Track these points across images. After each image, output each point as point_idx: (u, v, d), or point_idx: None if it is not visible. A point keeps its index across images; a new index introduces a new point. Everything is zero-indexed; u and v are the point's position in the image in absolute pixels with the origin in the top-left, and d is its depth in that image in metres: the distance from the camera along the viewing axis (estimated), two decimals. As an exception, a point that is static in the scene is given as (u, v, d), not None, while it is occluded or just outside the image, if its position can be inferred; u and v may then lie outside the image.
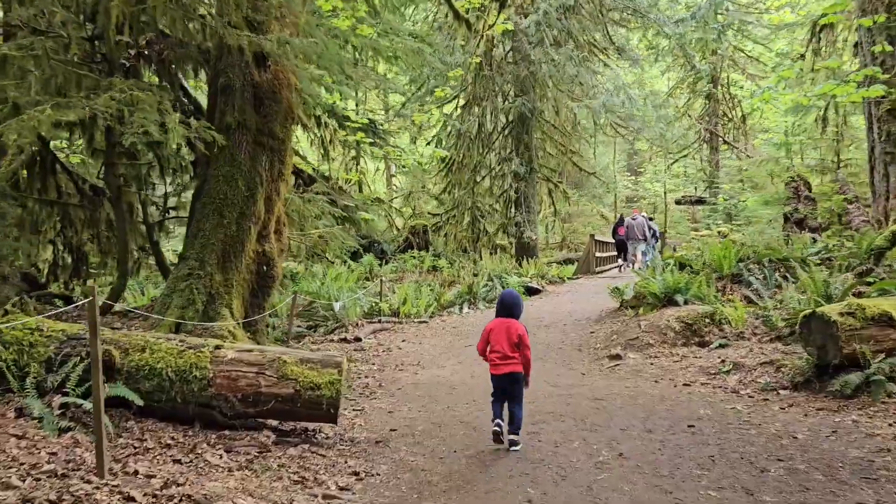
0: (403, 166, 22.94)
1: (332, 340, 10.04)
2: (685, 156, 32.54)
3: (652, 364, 7.59)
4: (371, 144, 16.92)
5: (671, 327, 8.23)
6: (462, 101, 22.95)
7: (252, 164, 6.80)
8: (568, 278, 18.13)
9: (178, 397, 4.61)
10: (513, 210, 21.73)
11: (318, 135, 11.26)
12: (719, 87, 30.57)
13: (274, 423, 5.15)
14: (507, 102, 21.20)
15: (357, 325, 10.94)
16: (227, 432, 4.67)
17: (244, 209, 6.70)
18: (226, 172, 6.69)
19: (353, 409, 6.27)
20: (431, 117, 26.18)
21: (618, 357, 7.98)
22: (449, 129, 22.56)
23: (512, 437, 4.78)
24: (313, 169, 16.43)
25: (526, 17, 18.23)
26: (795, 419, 5.31)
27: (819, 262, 10.02)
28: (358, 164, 26.93)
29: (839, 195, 13.35)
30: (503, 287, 15.37)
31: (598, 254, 20.34)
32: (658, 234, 22.99)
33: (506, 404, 4.91)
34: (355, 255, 18.33)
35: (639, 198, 41.81)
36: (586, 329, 10.07)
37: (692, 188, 37.78)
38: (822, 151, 20.88)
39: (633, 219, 20.91)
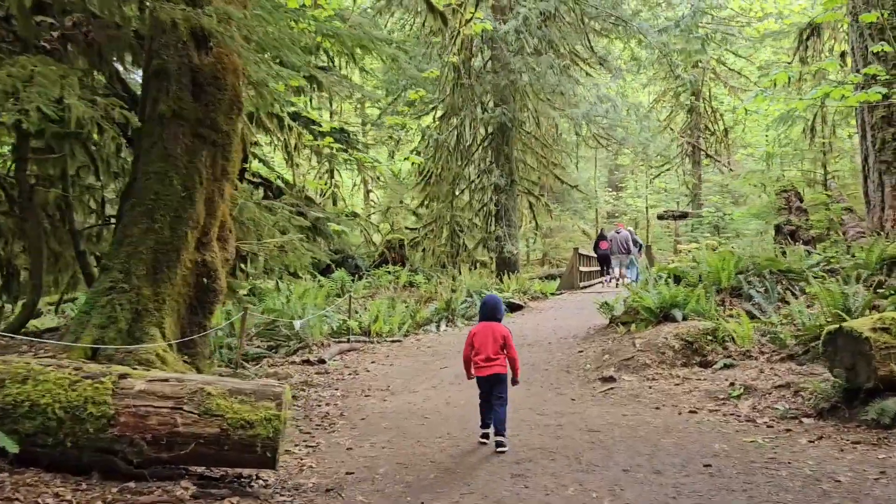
0: (378, 177, 22.06)
1: (293, 362, 9.06)
2: (668, 170, 32.06)
3: (650, 387, 6.71)
4: (342, 151, 16.06)
5: (669, 346, 7.38)
6: (440, 112, 22.20)
7: (190, 160, 5.86)
8: (551, 294, 17.29)
9: (69, 440, 3.63)
10: (493, 224, 20.90)
11: (281, 139, 10.33)
12: (701, 101, 30.19)
13: (200, 469, 4.18)
14: (486, 113, 20.44)
15: (322, 345, 9.96)
16: (132, 484, 3.69)
17: (180, 211, 5.74)
18: (158, 168, 5.74)
19: (306, 446, 5.31)
20: (409, 131, 25.38)
21: (611, 379, 7.10)
22: (427, 141, 21.79)
23: (498, 438, 4.93)
24: (279, 178, 15.49)
25: (505, 23, 17.53)
26: (830, 455, 4.45)
27: (822, 273, 9.29)
28: (332, 177, 26.08)
29: (837, 204, 12.71)
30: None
31: (582, 268, 19.54)
32: (642, 247, 22.30)
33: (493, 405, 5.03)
34: (327, 271, 17.36)
35: (620, 213, 41.33)
36: (574, 348, 9.19)
37: (674, 203, 37.38)
38: (807, 163, 20.34)
39: (618, 232, 20.24)
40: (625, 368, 7.31)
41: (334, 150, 14.24)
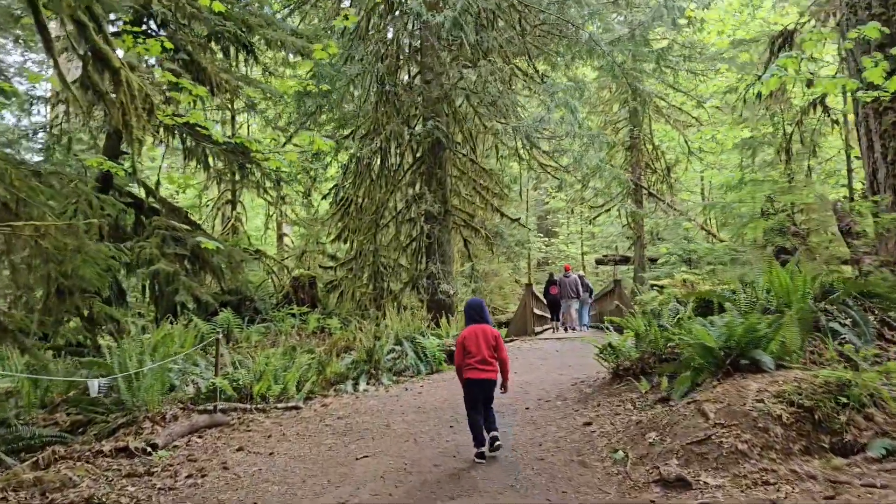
0: (284, 198, 18.46)
1: (99, 451, 5.22)
2: (608, 210, 29.74)
3: (776, 504, 3.36)
4: (237, 162, 12.53)
5: (772, 415, 4.07)
6: (362, 131, 18.90)
7: None
8: (499, 342, 13.90)
9: None
10: (424, 260, 17.49)
11: (117, 103, 6.68)
12: (641, 137, 28.28)
13: None
14: (416, 128, 17.30)
15: (165, 418, 6.13)
16: None
17: None
18: None
19: None
20: (329, 166, 21.83)
21: (682, 483, 3.71)
22: (346, 164, 18.46)
23: (493, 433, 4.72)
24: (149, 194, 11.75)
25: (439, 14, 14.53)
26: None
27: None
28: (234, 207, 22.07)
29: (887, 215, 10.15)
30: (415, 353, 10.96)
31: (536, 311, 16.29)
32: (592, 292, 19.62)
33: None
34: (217, 314, 13.42)
35: (553, 259, 38.95)
36: (571, 417, 5.75)
37: (613, 247, 35.28)
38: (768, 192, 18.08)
39: (566, 276, 17.47)
40: (699, 460, 3.93)
41: (223, 148, 10.70)
